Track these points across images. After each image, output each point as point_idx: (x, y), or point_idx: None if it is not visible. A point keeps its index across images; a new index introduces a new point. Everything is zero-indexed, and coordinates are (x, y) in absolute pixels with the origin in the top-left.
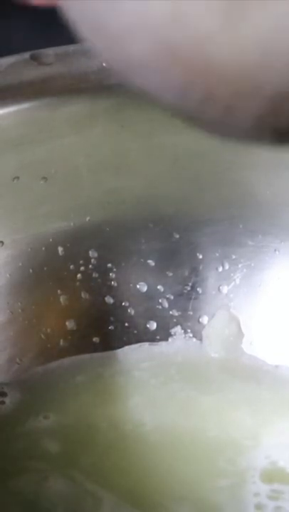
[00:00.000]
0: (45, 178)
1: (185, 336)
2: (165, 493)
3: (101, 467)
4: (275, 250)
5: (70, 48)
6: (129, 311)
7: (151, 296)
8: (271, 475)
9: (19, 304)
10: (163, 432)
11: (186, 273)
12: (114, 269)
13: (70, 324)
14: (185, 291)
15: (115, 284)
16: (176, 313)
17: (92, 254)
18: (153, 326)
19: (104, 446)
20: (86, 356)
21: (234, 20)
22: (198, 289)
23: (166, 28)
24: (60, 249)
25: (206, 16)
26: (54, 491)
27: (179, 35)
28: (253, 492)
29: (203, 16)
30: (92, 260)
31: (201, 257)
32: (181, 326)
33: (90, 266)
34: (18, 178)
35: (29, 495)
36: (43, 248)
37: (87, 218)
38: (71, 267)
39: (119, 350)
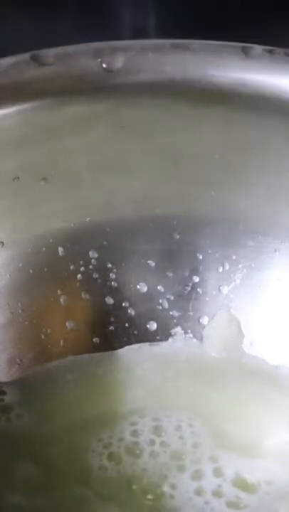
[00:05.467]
0: (45, 179)
1: (185, 337)
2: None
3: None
4: (275, 251)
5: (70, 48)
6: (129, 311)
7: (151, 296)
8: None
9: (19, 304)
10: (163, 431)
11: (187, 273)
12: (115, 270)
13: (70, 324)
14: (185, 292)
15: (115, 285)
16: (176, 314)
17: (93, 254)
18: (153, 326)
19: (104, 445)
20: (86, 356)
21: None
22: (198, 290)
23: None
24: (60, 249)
25: None
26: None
27: None
28: (255, 488)
29: None
30: (93, 261)
31: (201, 257)
32: (182, 326)
33: (90, 266)
34: (18, 178)
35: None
36: (44, 249)
37: (88, 219)
38: (71, 267)
39: (119, 351)
